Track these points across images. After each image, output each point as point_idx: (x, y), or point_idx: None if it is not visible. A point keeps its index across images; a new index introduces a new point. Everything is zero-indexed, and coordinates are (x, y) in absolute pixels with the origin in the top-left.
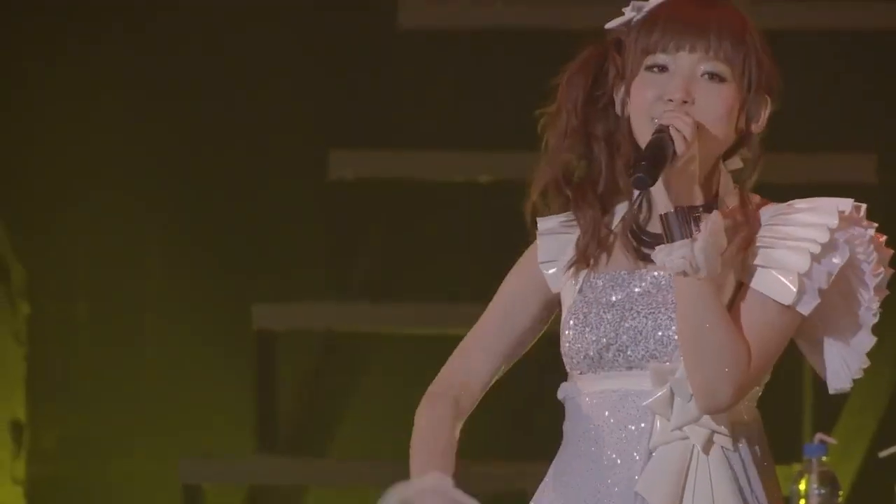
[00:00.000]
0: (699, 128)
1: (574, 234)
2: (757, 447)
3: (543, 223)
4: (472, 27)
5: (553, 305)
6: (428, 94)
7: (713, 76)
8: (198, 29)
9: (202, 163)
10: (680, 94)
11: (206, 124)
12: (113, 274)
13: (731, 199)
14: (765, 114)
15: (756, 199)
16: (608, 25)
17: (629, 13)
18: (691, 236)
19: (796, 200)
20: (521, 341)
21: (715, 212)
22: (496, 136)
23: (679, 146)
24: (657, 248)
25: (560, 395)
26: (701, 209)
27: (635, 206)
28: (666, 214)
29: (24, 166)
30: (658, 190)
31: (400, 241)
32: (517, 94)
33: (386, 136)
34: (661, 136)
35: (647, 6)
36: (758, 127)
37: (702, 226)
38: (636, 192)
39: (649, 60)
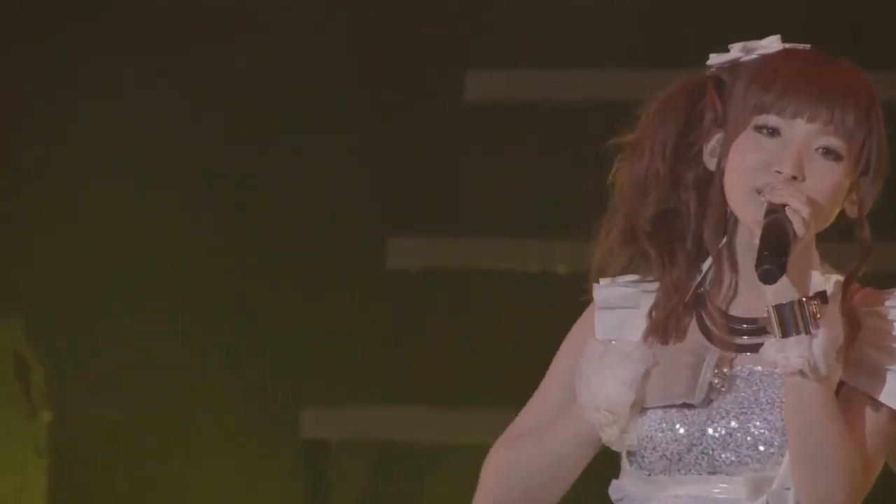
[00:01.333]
0: (813, 205)
1: (635, 309)
2: None
3: (601, 292)
4: (547, 98)
5: None
6: (497, 174)
7: (829, 153)
8: (250, 120)
9: (248, 254)
10: (791, 169)
11: (253, 214)
12: (147, 377)
13: (823, 281)
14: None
15: (856, 286)
16: (710, 62)
17: (736, 52)
18: (808, 331)
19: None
20: None
21: (832, 303)
22: (576, 222)
23: (799, 228)
24: (767, 342)
25: (614, 495)
26: (817, 301)
27: (710, 278)
28: (778, 306)
29: (48, 256)
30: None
31: (467, 338)
32: (599, 172)
33: (451, 222)
34: (779, 219)
35: (760, 48)
36: (863, 212)
37: (819, 320)
38: (707, 263)
39: (760, 120)
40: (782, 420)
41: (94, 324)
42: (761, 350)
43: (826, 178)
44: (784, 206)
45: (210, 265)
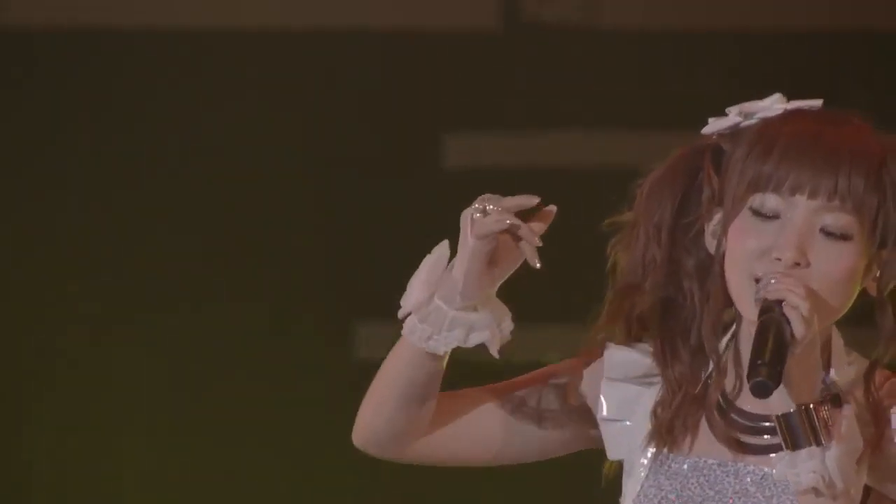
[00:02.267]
0: (815, 298)
1: (648, 388)
2: None
3: (612, 355)
4: (530, 162)
5: (589, 444)
6: None
7: (835, 233)
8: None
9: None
10: (792, 254)
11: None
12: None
13: (845, 372)
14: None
15: (882, 375)
16: (707, 129)
17: (734, 117)
18: (819, 442)
19: None
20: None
21: (847, 407)
22: (567, 304)
23: (797, 328)
24: (776, 456)
25: None
26: (828, 405)
27: (716, 371)
28: (784, 416)
29: None
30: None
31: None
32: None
33: None
34: (775, 318)
35: (759, 111)
36: (884, 290)
37: (833, 427)
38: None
39: (756, 201)
40: None
41: None
42: (772, 462)
43: (835, 263)
44: (781, 301)
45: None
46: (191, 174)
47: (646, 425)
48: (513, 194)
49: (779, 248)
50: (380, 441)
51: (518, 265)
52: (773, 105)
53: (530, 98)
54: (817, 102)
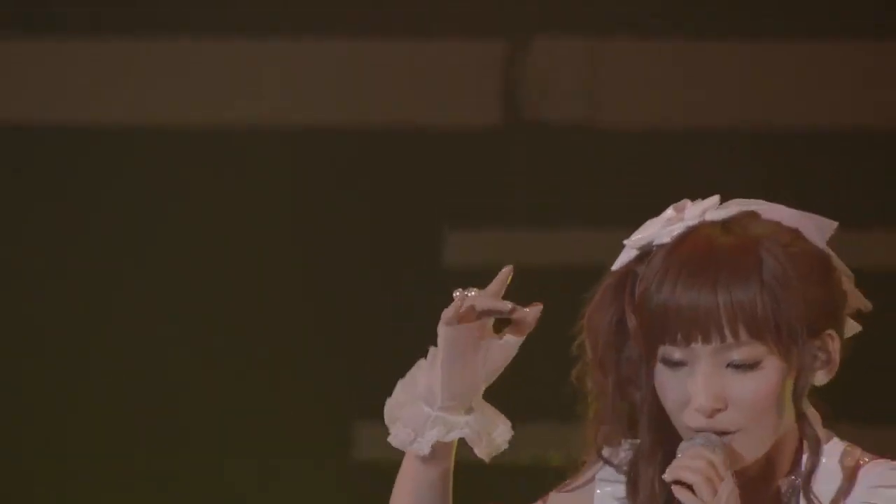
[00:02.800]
0: (733, 441)
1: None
2: None
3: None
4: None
5: None
6: None
7: (742, 366)
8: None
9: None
10: (708, 404)
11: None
12: None
13: (831, 451)
14: (834, 349)
15: (857, 454)
16: (614, 267)
17: (630, 251)
18: None
19: None
20: None
21: None
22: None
23: (706, 498)
24: None
25: None
26: None
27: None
28: None
29: None
30: None
31: None
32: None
33: None
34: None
35: (654, 238)
36: (829, 373)
37: None
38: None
39: (661, 353)
40: None
41: None
42: None
43: (754, 393)
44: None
45: None
46: (187, 274)
47: None
48: (513, 291)
49: (695, 399)
50: None
51: (507, 361)
52: (663, 230)
53: (531, 195)
54: (713, 201)
